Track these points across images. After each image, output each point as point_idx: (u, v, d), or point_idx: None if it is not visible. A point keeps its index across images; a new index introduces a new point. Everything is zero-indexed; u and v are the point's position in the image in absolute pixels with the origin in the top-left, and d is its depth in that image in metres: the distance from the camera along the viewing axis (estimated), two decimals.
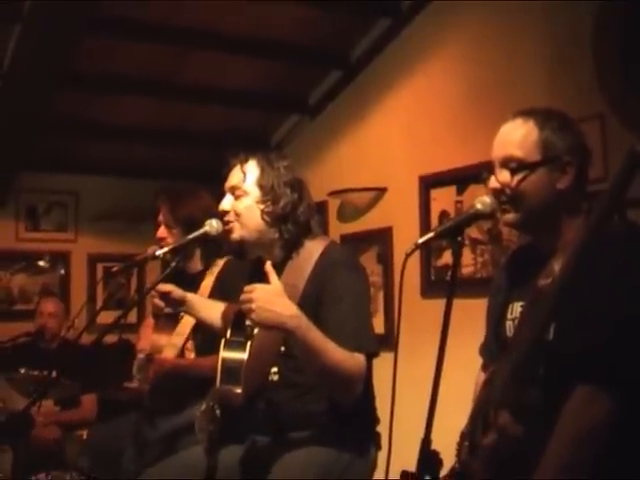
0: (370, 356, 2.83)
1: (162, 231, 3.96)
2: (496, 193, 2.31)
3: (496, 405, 2.20)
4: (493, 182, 2.34)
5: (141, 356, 3.84)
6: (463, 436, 2.38)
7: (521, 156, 2.28)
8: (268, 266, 2.76)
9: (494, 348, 2.53)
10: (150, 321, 4.24)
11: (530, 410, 2.15)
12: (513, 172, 2.29)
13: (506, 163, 2.31)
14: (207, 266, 3.94)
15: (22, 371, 5.15)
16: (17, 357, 5.27)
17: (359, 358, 2.76)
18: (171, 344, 3.89)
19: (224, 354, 3.00)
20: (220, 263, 3.93)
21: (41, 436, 4.76)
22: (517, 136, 2.31)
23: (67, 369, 4.89)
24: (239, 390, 2.91)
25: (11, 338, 5.50)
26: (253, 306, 2.62)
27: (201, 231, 3.07)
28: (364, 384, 2.91)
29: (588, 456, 2.08)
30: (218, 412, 2.79)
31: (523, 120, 2.32)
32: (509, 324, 2.42)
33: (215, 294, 3.84)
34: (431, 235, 2.17)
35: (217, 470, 2.93)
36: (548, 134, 2.28)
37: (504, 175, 2.31)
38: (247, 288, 2.66)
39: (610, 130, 4.06)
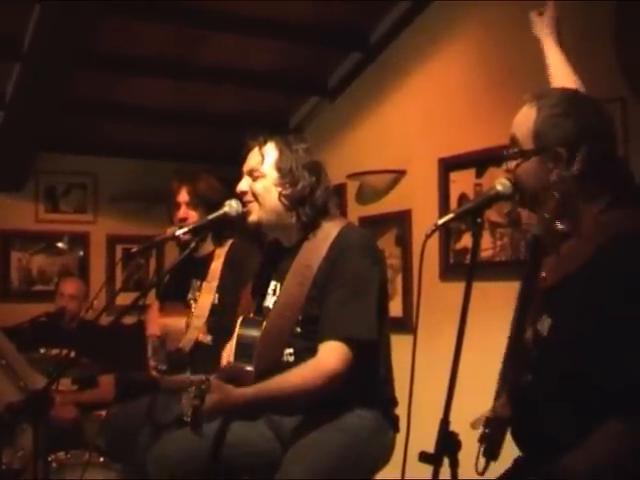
0: (360, 343, 2.81)
1: (184, 212, 3.99)
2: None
3: (501, 382, 2.23)
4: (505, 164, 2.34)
5: (155, 340, 3.86)
6: (500, 380, 2.40)
7: (519, 142, 2.27)
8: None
9: None
10: (156, 305, 4.27)
11: (521, 394, 2.18)
12: (509, 157, 2.29)
13: (511, 145, 2.31)
14: (216, 248, 3.98)
15: (42, 351, 5.19)
16: (37, 337, 5.29)
17: (322, 359, 2.78)
18: (193, 327, 3.91)
19: (240, 331, 3.03)
20: (227, 244, 3.96)
21: (59, 416, 4.79)
22: (519, 122, 2.30)
23: (86, 349, 4.91)
24: (250, 368, 2.92)
25: (31, 318, 5.54)
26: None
27: (221, 211, 3.06)
28: (384, 366, 2.96)
29: None
30: (204, 388, 2.79)
31: (529, 105, 2.29)
32: None
33: (225, 276, 3.87)
34: (451, 216, 2.16)
35: (223, 446, 2.97)
36: (544, 122, 2.22)
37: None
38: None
39: (632, 114, 4.02)
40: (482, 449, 2.32)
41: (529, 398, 2.19)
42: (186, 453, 2.98)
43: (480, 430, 2.33)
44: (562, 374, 2.12)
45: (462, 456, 2.01)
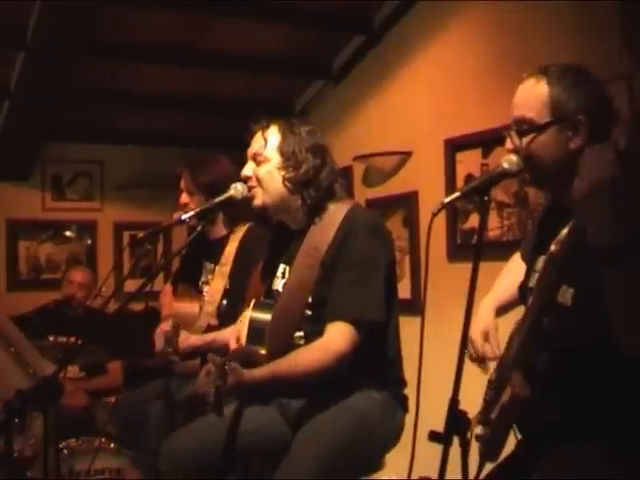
0: (367, 324, 2.82)
1: (184, 197, 4.00)
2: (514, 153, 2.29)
3: (511, 363, 2.21)
4: (509, 143, 2.32)
5: (166, 327, 3.83)
6: (490, 384, 2.39)
7: (532, 117, 2.25)
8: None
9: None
10: (168, 287, 4.28)
11: (538, 374, 2.16)
12: (521, 134, 2.27)
13: (519, 124, 2.29)
14: (231, 231, 3.97)
15: (50, 339, 5.20)
16: (45, 325, 5.31)
17: (328, 340, 2.79)
18: (205, 312, 3.91)
19: (253, 314, 3.03)
20: (243, 229, 3.95)
21: (70, 403, 4.80)
22: (528, 97, 2.28)
23: (93, 336, 4.92)
24: (263, 351, 2.92)
25: (39, 306, 5.55)
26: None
27: (226, 195, 3.07)
28: (393, 347, 2.97)
29: None
30: (227, 368, 2.80)
31: (536, 79, 2.28)
32: (534, 275, 2.41)
33: (238, 260, 3.86)
34: (458, 194, 2.14)
35: (238, 432, 2.97)
36: (559, 93, 2.23)
37: (516, 137, 2.29)
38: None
39: (637, 91, 3.99)
40: (480, 449, 2.29)
41: (550, 376, 2.17)
42: (197, 449, 2.98)
43: (477, 430, 2.31)
44: (595, 340, 2.10)
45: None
